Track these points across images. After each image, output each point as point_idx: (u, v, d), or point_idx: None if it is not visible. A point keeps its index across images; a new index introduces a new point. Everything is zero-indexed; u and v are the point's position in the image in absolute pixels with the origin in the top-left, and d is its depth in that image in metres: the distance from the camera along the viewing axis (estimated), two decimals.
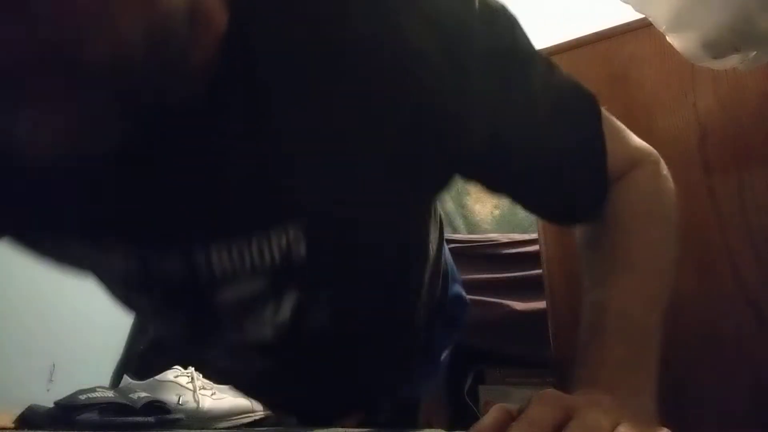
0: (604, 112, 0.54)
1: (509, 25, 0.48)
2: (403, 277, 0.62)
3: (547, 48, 1.06)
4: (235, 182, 0.42)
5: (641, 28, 0.95)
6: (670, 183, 0.57)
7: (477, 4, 0.44)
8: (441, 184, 0.52)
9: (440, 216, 0.82)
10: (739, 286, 0.82)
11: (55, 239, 0.47)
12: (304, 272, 0.47)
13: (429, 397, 1.44)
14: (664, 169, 0.58)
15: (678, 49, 0.77)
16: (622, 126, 0.57)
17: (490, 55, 0.44)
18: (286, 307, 0.51)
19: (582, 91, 0.53)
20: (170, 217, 0.43)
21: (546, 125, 0.49)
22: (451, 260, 0.91)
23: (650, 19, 0.79)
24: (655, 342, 0.46)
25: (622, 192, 0.54)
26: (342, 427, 0.64)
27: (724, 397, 0.81)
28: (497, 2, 0.47)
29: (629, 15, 0.87)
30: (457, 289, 0.91)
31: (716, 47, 0.73)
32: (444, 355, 1.01)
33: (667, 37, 0.78)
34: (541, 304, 1.08)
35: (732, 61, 0.74)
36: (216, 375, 0.81)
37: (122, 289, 0.55)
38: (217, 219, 0.44)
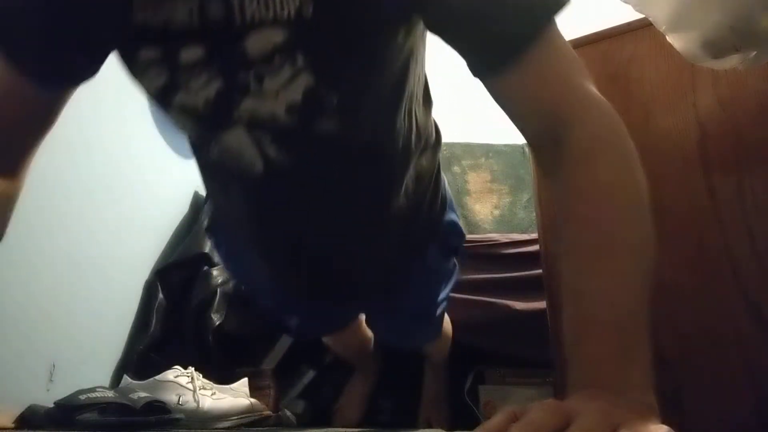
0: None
1: None
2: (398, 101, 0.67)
3: None
4: None
5: (641, 28, 0.95)
6: (630, 142, 0.52)
7: None
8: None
9: (434, 125, 0.84)
10: (739, 286, 0.82)
11: None
12: (312, 34, 0.56)
13: (428, 396, 1.45)
14: (621, 125, 0.53)
15: (678, 49, 0.77)
16: (579, 63, 0.55)
17: None
18: (299, 85, 0.59)
19: None
20: None
21: None
22: (450, 193, 0.96)
23: (650, 19, 0.79)
24: (645, 330, 0.44)
25: (581, 167, 0.51)
26: (342, 427, 0.64)
27: (724, 397, 0.81)
28: None
29: (629, 15, 0.87)
30: (453, 216, 0.94)
31: (716, 47, 0.73)
32: (441, 303, 1.04)
33: (667, 37, 0.78)
34: (541, 304, 1.08)
35: (732, 61, 0.74)
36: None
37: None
38: None
